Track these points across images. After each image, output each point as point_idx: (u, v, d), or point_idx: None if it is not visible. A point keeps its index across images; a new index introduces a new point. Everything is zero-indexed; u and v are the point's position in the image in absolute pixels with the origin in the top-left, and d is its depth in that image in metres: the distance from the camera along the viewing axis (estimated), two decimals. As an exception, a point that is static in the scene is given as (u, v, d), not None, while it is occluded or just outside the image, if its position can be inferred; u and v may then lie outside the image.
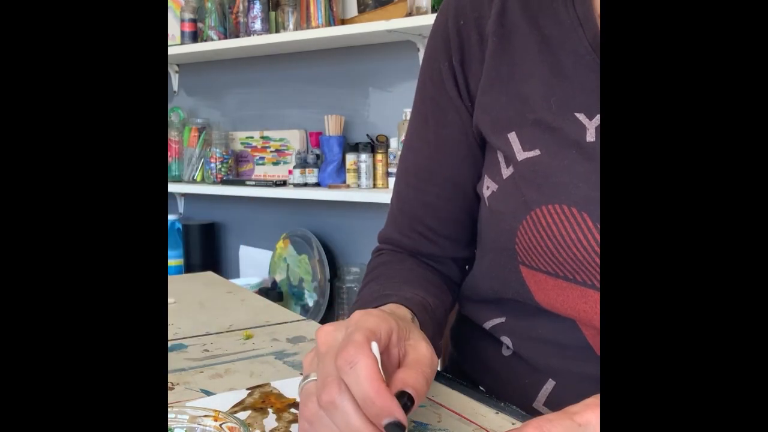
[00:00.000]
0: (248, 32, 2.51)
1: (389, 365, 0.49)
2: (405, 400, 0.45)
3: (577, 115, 0.61)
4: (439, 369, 0.70)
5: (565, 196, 0.60)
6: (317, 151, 2.50)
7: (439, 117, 0.70)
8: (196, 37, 2.71)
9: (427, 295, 0.65)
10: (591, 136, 0.60)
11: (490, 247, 0.68)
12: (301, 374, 0.64)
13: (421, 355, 0.49)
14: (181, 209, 3.02)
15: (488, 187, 0.67)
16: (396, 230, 0.75)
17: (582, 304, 0.61)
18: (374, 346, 0.46)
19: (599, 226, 0.58)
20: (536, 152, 0.62)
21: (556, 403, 0.65)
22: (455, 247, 0.74)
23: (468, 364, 0.75)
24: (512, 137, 0.64)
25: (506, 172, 0.65)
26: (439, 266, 0.75)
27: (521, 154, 0.63)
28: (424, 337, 0.52)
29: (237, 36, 2.56)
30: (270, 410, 0.55)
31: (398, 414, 0.43)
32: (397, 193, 0.75)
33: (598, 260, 0.59)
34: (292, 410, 0.55)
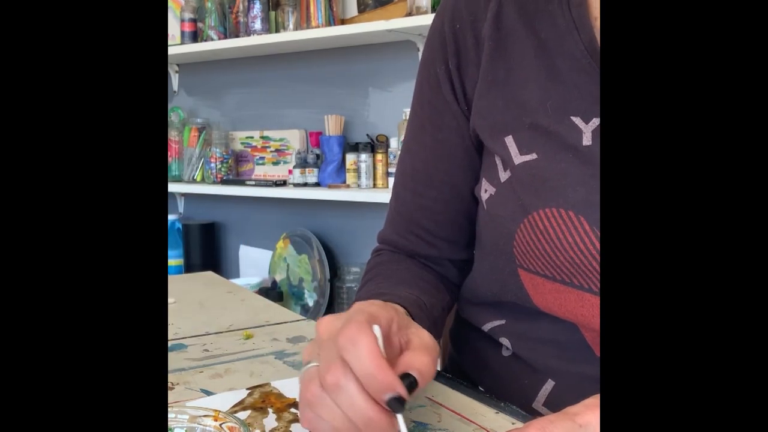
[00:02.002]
0: (248, 32, 2.51)
1: (390, 353, 0.49)
2: (410, 380, 0.46)
3: (573, 118, 0.61)
4: (438, 369, 0.70)
5: (562, 200, 0.60)
6: (317, 151, 2.50)
7: (436, 121, 0.71)
8: (196, 37, 2.71)
9: (423, 294, 0.66)
10: (587, 139, 0.60)
11: (489, 251, 0.68)
12: (301, 374, 0.65)
13: (425, 340, 0.50)
14: (181, 209, 3.02)
15: (486, 191, 0.67)
16: (394, 232, 0.75)
17: (579, 308, 0.61)
18: (376, 328, 0.47)
19: (596, 230, 0.58)
20: (533, 156, 0.62)
21: (555, 404, 0.65)
22: (453, 249, 0.74)
23: (467, 365, 0.75)
24: (509, 141, 0.64)
25: (504, 175, 0.65)
26: (437, 268, 0.75)
27: (518, 158, 0.63)
28: (421, 327, 0.53)
29: (237, 36, 2.56)
30: (270, 410, 0.55)
31: (399, 389, 0.43)
32: (395, 195, 0.75)
33: (595, 264, 0.59)
34: (292, 410, 0.55)
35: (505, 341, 0.69)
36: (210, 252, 2.87)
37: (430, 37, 0.72)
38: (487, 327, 0.71)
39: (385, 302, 0.54)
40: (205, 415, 0.46)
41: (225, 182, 2.66)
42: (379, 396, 0.44)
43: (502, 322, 0.69)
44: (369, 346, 0.44)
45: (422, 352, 0.48)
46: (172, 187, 2.79)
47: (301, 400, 0.47)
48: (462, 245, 0.74)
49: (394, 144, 2.29)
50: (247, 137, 2.74)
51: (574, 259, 0.59)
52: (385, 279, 0.69)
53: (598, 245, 0.58)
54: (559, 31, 0.63)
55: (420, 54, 2.23)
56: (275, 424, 0.53)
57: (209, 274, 1.16)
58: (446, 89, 0.69)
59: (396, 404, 0.44)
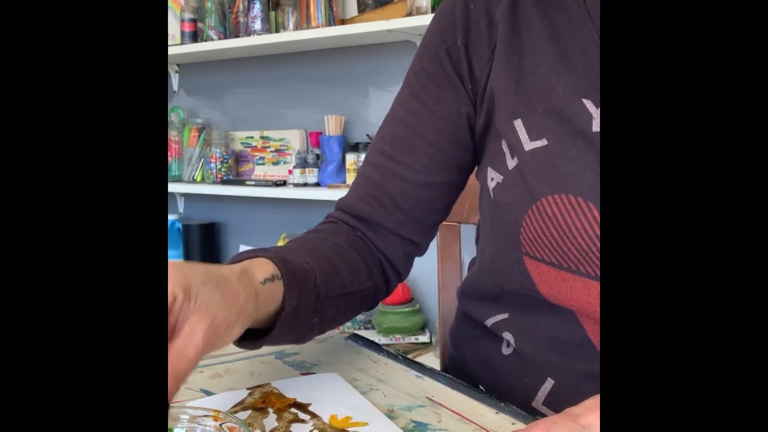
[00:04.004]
0: (248, 32, 2.51)
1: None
2: None
3: (585, 101, 0.61)
4: (438, 369, 0.70)
5: (571, 186, 0.60)
6: (317, 151, 2.50)
7: (432, 92, 0.70)
8: (196, 37, 2.71)
9: (327, 271, 0.63)
10: (597, 126, 0.61)
11: (494, 240, 0.69)
12: (302, 373, 0.65)
13: (187, 336, 0.46)
14: (181, 209, 3.02)
15: (493, 179, 0.67)
16: (354, 195, 0.73)
17: (585, 296, 0.62)
18: None
19: None
20: (543, 142, 0.63)
21: (555, 402, 0.65)
22: (408, 225, 0.72)
23: (468, 364, 0.76)
24: (518, 124, 0.64)
25: (511, 163, 0.65)
26: (380, 241, 0.72)
27: (528, 144, 0.63)
28: (225, 309, 0.49)
29: (237, 36, 2.56)
30: (270, 410, 0.55)
31: None
32: (367, 161, 0.74)
33: None
34: (292, 410, 0.55)
35: (507, 336, 0.69)
36: (210, 252, 2.87)
37: (440, 13, 0.72)
38: (489, 322, 0.71)
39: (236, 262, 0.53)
40: (205, 415, 0.46)
41: (225, 182, 2.66)
42: None
43: (505, 315, 0.70)
44: None
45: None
46: (172, 187, 2.79)
47: None
48: (418, 226, 0.72)
49: (394, 144, 2.29)
50: (247, 137, 2.74)
51: (582, 245, 0.60)
52: (301, 245, 0.66)
53: None
54: (572, 20, 0.64)
55: (420, 54, 2.23)
56: (275, 424, 0.53)
57: (209, 274, 1.15)
58: (450, 65, 0.69)
59: None
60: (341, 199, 0.75)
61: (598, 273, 0.61)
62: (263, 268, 0.57)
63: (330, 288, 0.63)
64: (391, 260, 0.73)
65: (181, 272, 0.46)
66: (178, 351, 0.45)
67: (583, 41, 0.63)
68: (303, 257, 0.63)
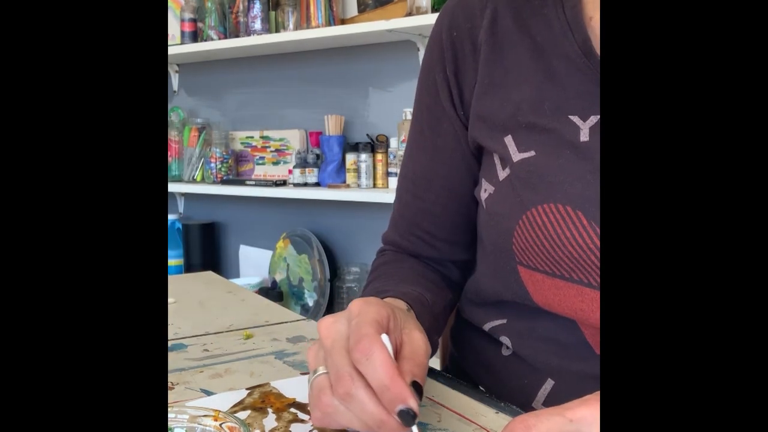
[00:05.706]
0: (248, 32, 2.51)
1: None
2: (416, 389, 0.48)
3: (571, 117, 0.62)
4: (439, 369, 0.70)
5: (560, 195, 0.61)
6: (317, 151, 2.50)
7: (434, 126, 0.72)
8: (196, 37, 2.71)
9: (425, 291, 0.67)
10: (585, 136, 0.61)
11: (489, 250, 0.69)
12: (302, 373, 0.65)
13: (416, 346, 0.51)
14: (181, 209, 3.02)
15: (485, 190, 0.68)
16: (397, 234, 0.77)
17: (579, 303, 0.62)
18: (385, 337, 0.48)
19: (594, 225, 0.59)
20: (531, 153, 0.63)
21: (555, 403, 0.64)
22: (454, 250, 0.75)
23: (468, 364, 0.76)
24: (508, 140, 0.65)
25: (502, 174, 0.66)
26: (440, 268, 0.76)
27: (516, 156, 0.64)
28: (418, 326, 0.54)
29: (237, 36, 2.56)
30: (269, 410, 0.55)
31: (411, 401, 0.45)
32: (398, 198, 0.77)
33: (594, 258, 0.59)
34: (292, 410, 0.55)
35: (505, 340, 0.70)
36: (210, 252, 2.87)
37: (429, 44, 0.74)
38: (487, 326, 0.71)
39: (383, 299, 0.55)
40: (205, 415, 0.46)
41: (225, 182, 2.67)
42: (392, 406, 0.46)
43: (503, 321, 0.70)
44: (382, 358, 0.46)
45: (414, 360, 0.50)
46: (172, 187, 2.80)
47: (313, 407, 0.50)
48: (463, 246, 0.75)
49: (394, 144, 2.30)
50: (247, 137, 2.74)
51: (573, 253, 0.60)
52: (388, 278, 0.71)
53: (596, 240, 0.59)
54: (553, 33, 0.64)
55: (420, 54, 2.23)
56: (275, 424, 0.53)
57: (209, 274, 1.16)
58: (444, 95, 0.71)
59: (407, 417, 0.46)
60: (386, 236, 0.79)
61: (591, 280, 0.61)
62: (398, 302, 0.61)
63: (435, 306, 0.68)
64: (452, 278, 0.77)
65: (375, 309, 0.51)
66: (413, 352, 0.50)
67: (566, 53, 0.63)
68: (407, 285, 0.67)
